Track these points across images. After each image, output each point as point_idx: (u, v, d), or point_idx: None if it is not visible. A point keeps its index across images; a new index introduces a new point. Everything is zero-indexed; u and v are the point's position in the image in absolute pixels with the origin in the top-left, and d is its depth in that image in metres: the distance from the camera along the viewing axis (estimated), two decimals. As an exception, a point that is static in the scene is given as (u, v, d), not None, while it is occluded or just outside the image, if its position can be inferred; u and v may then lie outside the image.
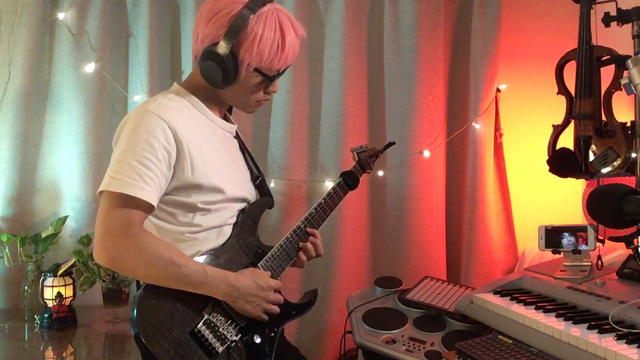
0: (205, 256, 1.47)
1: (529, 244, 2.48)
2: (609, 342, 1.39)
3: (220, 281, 1.41)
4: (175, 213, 1.44)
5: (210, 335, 1.41)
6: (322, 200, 1.70)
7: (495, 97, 2.54)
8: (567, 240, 1.92)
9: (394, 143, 2.06)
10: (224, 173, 1.50)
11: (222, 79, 1.43)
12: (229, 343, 1.44)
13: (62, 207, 2.44)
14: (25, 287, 2.27)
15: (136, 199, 1.33)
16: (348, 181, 1.80)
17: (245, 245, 1.54)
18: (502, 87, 2.56)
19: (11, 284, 2.35)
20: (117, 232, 1.33)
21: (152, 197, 1.35)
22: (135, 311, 1.35)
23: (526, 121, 2.59)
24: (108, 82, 2.44)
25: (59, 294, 2.16)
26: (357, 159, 1.87)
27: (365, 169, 1.90)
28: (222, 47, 1.40)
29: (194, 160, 1.41)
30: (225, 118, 1.62)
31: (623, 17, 1.85)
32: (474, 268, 2.50)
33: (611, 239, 1.74)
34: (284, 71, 1.51)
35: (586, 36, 1.92)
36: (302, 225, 1.64)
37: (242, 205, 1.57)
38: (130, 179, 1.33)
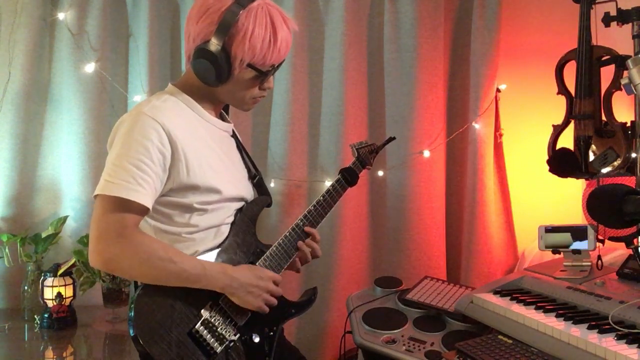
0: (203, 256, 1.46)
1: (529, 244, 2.48)
2: (609, 342, 1.39)
3: (219, 273, 1.41)
4: (171, 214, 1.44)
5: (209, 335, 1.41)
6: (321, 198, 1.69)
7: (495, 97, 2.53)
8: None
9: (394, 138, 2.02)
10: (220, 173, 1.49)
11: (216, 77, 1.42)
12: (227, 343, 1.44)
13: (62, 207, 2.44)
14: (25, 287, 2.27)
15: (131, 202, 1.33)
16: (347, 177, 1.77)
17: (243, 244, 1.54)
18: (502, 87, 2.56)
19: (11, 284, 2.35)
20: (110, 234, 1.32)
21: (147, 199, 1.35)
22: (132, 312, 1.35)
23: (526, 121, 2.59)
24: (108, 82, 2.44)
25: (59, 294, 2.16)
26: (356, 155, 1.84)
27: (365, 165, 1.86)
28: (214, 44, 1.39)
29: (189, 162, 1.41)
30: (221, 117, 1.62)
31: (623, 17, 1.84)
32: (474, 268, 2.50)
33: (611, 239, 1.74)
34: (278, 66, 1.50)
35: (586, 36, 1.92)
36: (301, 223, 1.63)
37: (240, 204, 1.56)
38: (125, 182, 1.32)
